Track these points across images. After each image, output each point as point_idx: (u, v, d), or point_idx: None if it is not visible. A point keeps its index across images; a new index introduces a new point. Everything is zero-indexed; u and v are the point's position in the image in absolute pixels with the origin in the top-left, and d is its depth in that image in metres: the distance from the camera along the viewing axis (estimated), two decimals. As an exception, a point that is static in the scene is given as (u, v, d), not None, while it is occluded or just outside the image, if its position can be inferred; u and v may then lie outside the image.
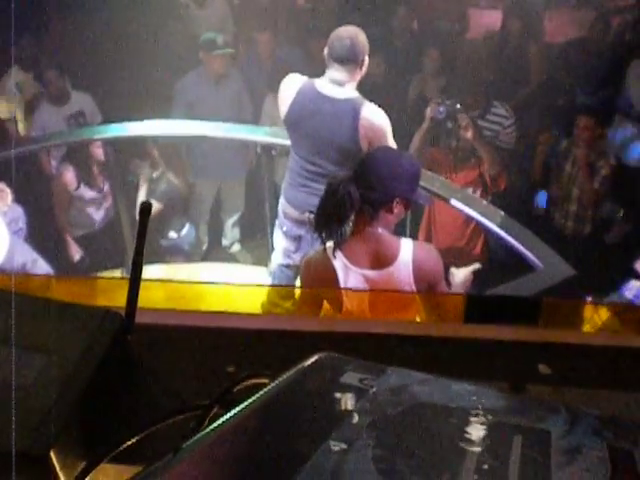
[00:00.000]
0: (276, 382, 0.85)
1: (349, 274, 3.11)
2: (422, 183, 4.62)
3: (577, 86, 6.85)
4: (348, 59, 4.21)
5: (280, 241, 4.65)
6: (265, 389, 0.84)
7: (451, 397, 0.82)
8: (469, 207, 4.77)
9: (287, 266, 4.64)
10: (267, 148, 5.49)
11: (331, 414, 0.76)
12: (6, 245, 4.60)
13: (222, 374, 1.18)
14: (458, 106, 5.54)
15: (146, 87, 6.90)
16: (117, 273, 5.69)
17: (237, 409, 0.79)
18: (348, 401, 0.78)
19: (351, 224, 3.12)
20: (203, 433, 0.79)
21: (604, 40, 7.17)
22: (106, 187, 6.04)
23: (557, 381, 1.14)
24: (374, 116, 4.19)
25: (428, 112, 5.50)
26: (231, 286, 1.91)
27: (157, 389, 1.18)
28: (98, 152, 5.89)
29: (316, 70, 4.52)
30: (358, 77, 4.29)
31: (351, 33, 4.24)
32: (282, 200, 4.57)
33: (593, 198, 6.02)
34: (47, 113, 6.60)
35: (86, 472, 0.92)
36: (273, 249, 4.75)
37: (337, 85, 4.25)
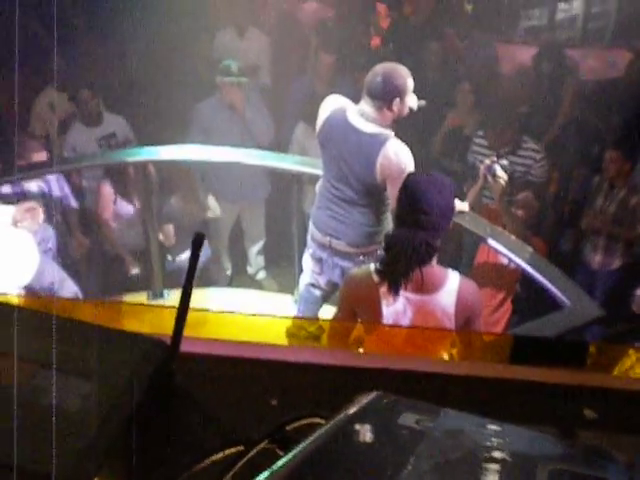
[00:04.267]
0: (331, 423, 0.84)
1: (391, 295, 3.11)
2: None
3: (607, 124, 6.83)
4: (376, 96, 4.18)
5: (307, 262, 4.70)
6: (321, 430, 0.83)
7: (510, 442, 0.81)
8: (497, 242, 4.75)
9: (313, 285, 4.66)
10: (297, 176, 5.50)
11: (392, 457, 0.75)
12: (35, 264, 4.63)
13: (265, 406, 1.18)
14: (505, 162, 5.47)
15: (178, 111, 6.97)
16: (143, 296, 5.70)
17: (294, 452, 0.79)
18: (408, 444, 0.78)
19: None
20: (263, 477, 0.78)
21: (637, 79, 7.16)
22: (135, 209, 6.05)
23: (606, 427, 1.13)
24: (394, 156, 4.12)
25: (482, 170, 5.39)
26: (256, 316, 1.90)
27: (201, 419, 1.18)
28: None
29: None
30: (388, 116, 4.22)
31: (386, 71, 4.20)
32: (310, 222, 4.64)
33: (624, 232, 6.00)
34: (79, 134, 6.64)
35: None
36: (302, 270, 4.79)
37: (364, 119, 4.23)
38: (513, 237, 5.00)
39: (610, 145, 6.13)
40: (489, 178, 5.33)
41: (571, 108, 7.16)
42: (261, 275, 7.06)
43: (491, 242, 4.75)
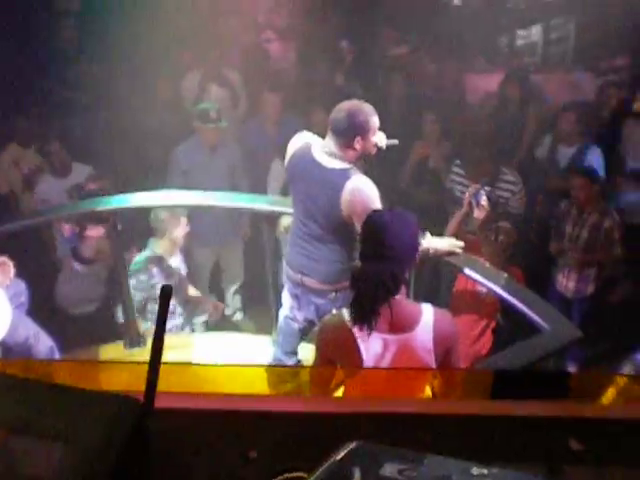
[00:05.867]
0: (314, 478, 0.81)
1: (369, 338, 3.08)
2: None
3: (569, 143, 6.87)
4: (338, 133, 4.14)
5: (285, 297, 4.67)
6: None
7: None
8: (470, 269, 4.74)
9: (292, 319, 4.63)
10: (270, 217, 5.48)
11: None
12: (9, 320, 4.56)
13: (244, 460, 1.15)
14: (488, 188, 5.49)
15: (147, 157, 6.97)
16: (119, 345, 5.64)
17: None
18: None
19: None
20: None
21: (601, 101, 7.26)
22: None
23: (592, 458, 1.11)
24: (357, 191, 4.06)
25: (466, 197, 5.41)
26: (235, 366, 1.87)
27: (179, 477, 1.14)
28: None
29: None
30: (351, 154, 4.17)
31: (349, 108, 4.16)
32: (284, 260, 4.65)
33: (597, 257, 6.04)
34: (49, 185, 6.64)
35: None
36: (281, 305, 4.75)
37: (328, 155, 4.20)
38: (488, 264, 5.01)
39: (575, 172, 6.18)
40: (473, 205, 5.33)
41: (536, 133, 7.24)
42: (238, 316, 7.02)
43: (466, 271, 4.74)
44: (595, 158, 6.59)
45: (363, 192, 4.08)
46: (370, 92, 7.17)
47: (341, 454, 0.87)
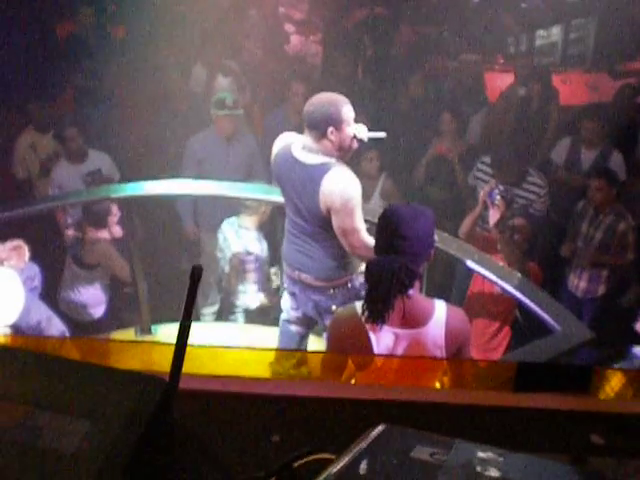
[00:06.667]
0: (343, 459, 0.81)
1: (380, 332, 3.07)
2: (439, 244, 4.65)
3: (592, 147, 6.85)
4: (311, 126, 4.08)
5: (284, 300, 4.66)
6: (334, 466, 0.80)
7: (527, 472, 0.79)
8: (485, 269, 4.74)
9: (289, 321, 4.62)
10: (281, 208, 5.48)
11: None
12: (22, 303, 4.58)
13: (267, 443, 1.15)
14: (502, 188, 5.45)
15: (162, 146, 6.98)
16: (131, 332, 5.66)
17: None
18: (424, 478, 0.75)
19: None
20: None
21: (619, 103, 7.24)
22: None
23: (615, 452, 1.11)
24: (335, 184, 3.98)
25: (481, 196, 5.41)
26: (245, 349, 1.87)
27: (202, 458, 1.15)
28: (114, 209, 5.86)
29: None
30: (329, 146, 4.08)
31: (319, 100, 4.12)
32: (282, 257, 4.62)
33: (610, 259, 6.02)
34: (65, 171, 6.66)
35: None
36: (282, 310, 4.74)
37: (307, 151, 4.14)
38: (501, 263, 5.00)
39: (594, 173, 6.15)
40: (488, 204, 5.31)
41: (554, 133, 7.22)
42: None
43: (479, 270, 4.73)
44: (617, 161, 6.58)
45: (341, 185, 4.00)
46: (388, 88, 7.17)
47: (371, 436, 0.87)
